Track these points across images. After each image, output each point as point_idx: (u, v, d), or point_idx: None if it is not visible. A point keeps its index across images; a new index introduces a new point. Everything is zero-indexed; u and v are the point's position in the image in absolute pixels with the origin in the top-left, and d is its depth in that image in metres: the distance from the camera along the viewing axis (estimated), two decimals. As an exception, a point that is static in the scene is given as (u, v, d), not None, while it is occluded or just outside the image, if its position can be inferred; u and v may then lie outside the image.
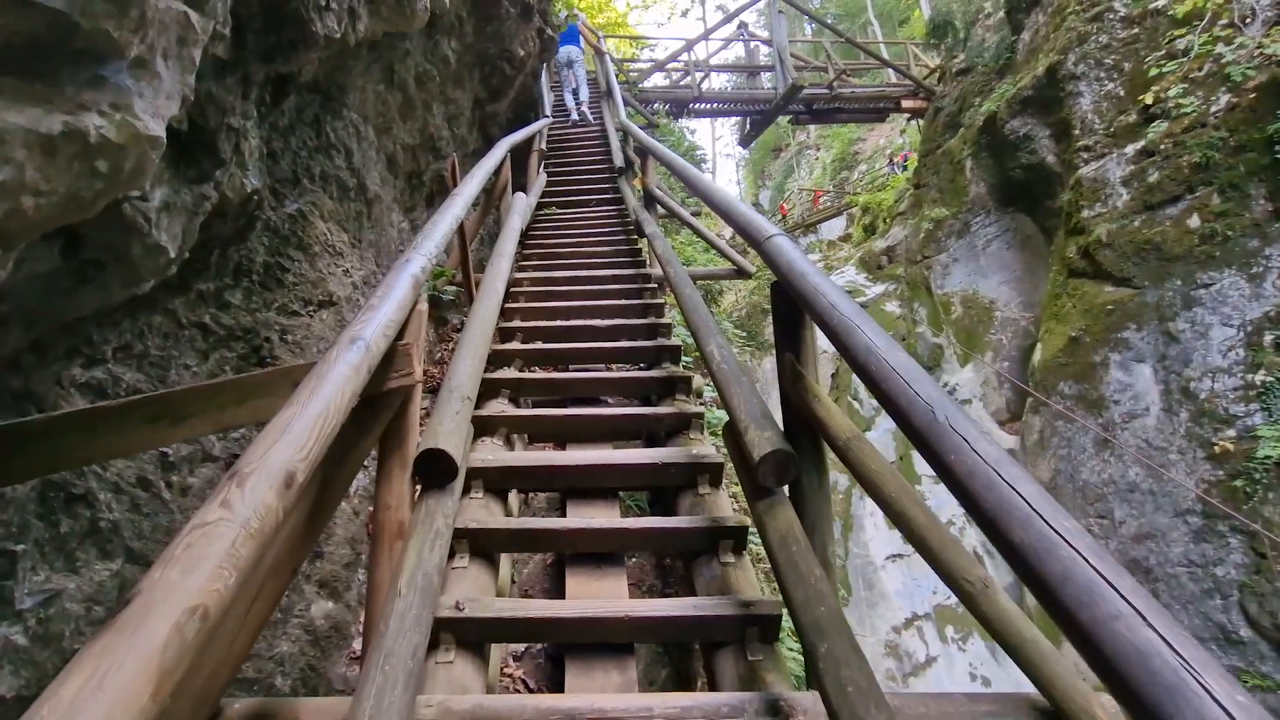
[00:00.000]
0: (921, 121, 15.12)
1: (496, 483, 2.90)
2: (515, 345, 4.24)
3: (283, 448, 1.18)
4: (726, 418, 2.45)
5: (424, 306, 2.17)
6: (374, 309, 1.82)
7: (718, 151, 35.63)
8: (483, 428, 3.26)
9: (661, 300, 4.76)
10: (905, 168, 22.78)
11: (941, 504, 11.35)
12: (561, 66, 10.57)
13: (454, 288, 5.40)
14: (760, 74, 15.58)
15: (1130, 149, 9.48)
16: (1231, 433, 7.80)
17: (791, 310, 2.13)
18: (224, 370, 2.67)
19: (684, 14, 32.13)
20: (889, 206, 20.54)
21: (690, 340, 5.38)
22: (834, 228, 27.73)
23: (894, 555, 10.48)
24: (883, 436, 12.37)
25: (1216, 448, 7.91)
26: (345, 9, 2.90)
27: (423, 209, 5.96)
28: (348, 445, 1.86)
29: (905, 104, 14.48)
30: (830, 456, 2.18)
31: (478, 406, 3.45)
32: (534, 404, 3.95)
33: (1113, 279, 9.35)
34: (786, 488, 2.08)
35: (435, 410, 2.25)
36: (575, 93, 10.74)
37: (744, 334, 11.74)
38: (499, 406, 3.53)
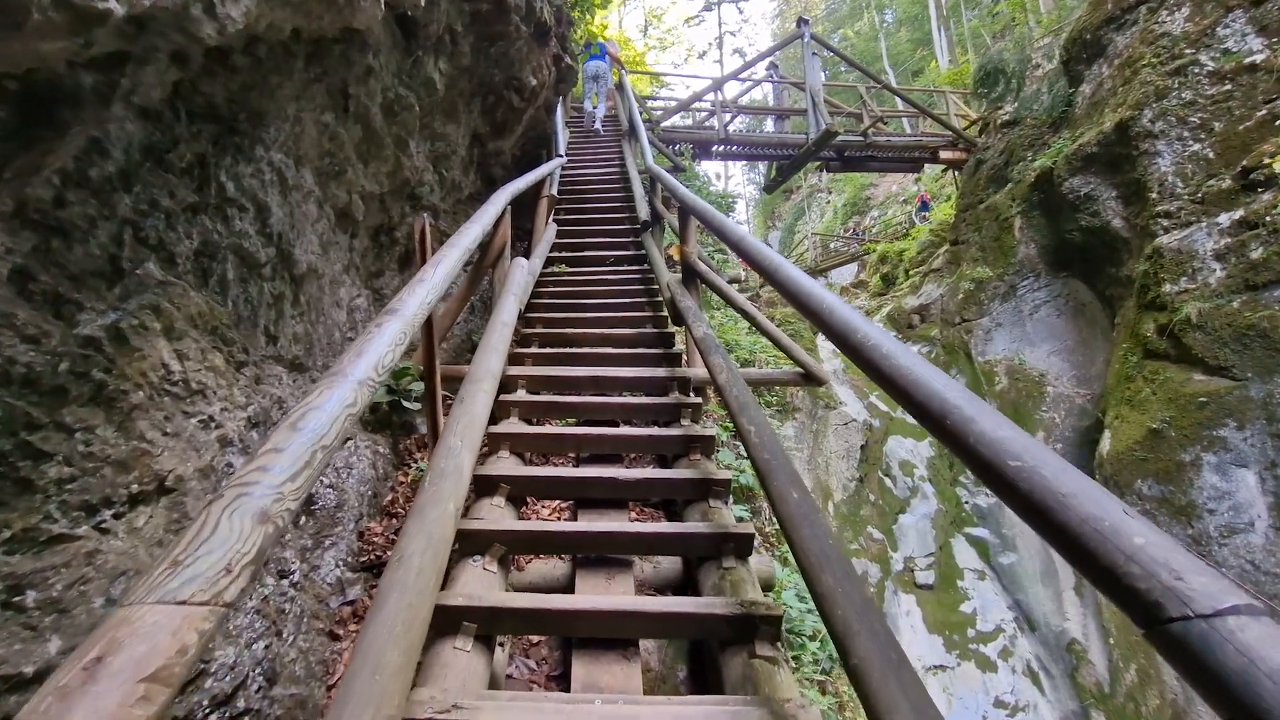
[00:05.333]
0: (957, 173, 13.75)
1: None
2: (495, 518, 2.67)
3: None
4: None
5: None
6: None
7: (728, 189, 34.43)
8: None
9: (711, 432, 3.21)
10: (926, 207, 21.52)
11: (986, 604, 9.68)
12: (588, 79, 10.74)
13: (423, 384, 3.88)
14: (786, 117, 14.26)
15: (1225, 218, 8.02)
16: (1381, 574, 6.19)
17: None
18: None
19: (701, 55, 31.21)
20: (910, 257, 19.16)
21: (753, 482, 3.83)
22: (844, 273, 26.44)
23: (937, 666, 8.77)
24: (920, 521, 10.74)
25: (1353, 585, 6.31)
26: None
27: (395, 274, 4.45)
28: None
29: (943, 155, 13.06)
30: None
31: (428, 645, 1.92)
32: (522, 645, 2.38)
33: (1205, 366, 7.82)
34: None
35: None
36: (595, 109, 10.85)
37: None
38: (456, 664, 1.95)
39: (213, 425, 2.05)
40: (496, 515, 2.75)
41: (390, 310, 1.79)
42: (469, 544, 2.48)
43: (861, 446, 11.43)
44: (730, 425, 4.01)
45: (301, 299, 3.09)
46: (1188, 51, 8.90)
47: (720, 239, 3.07)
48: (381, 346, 1.57)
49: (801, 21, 12.28)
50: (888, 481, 11.25)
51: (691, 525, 2.56)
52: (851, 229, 27.18)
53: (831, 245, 27.85)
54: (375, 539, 2.92)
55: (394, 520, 3.07)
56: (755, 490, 3.89)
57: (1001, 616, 9.28)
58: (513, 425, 3.40)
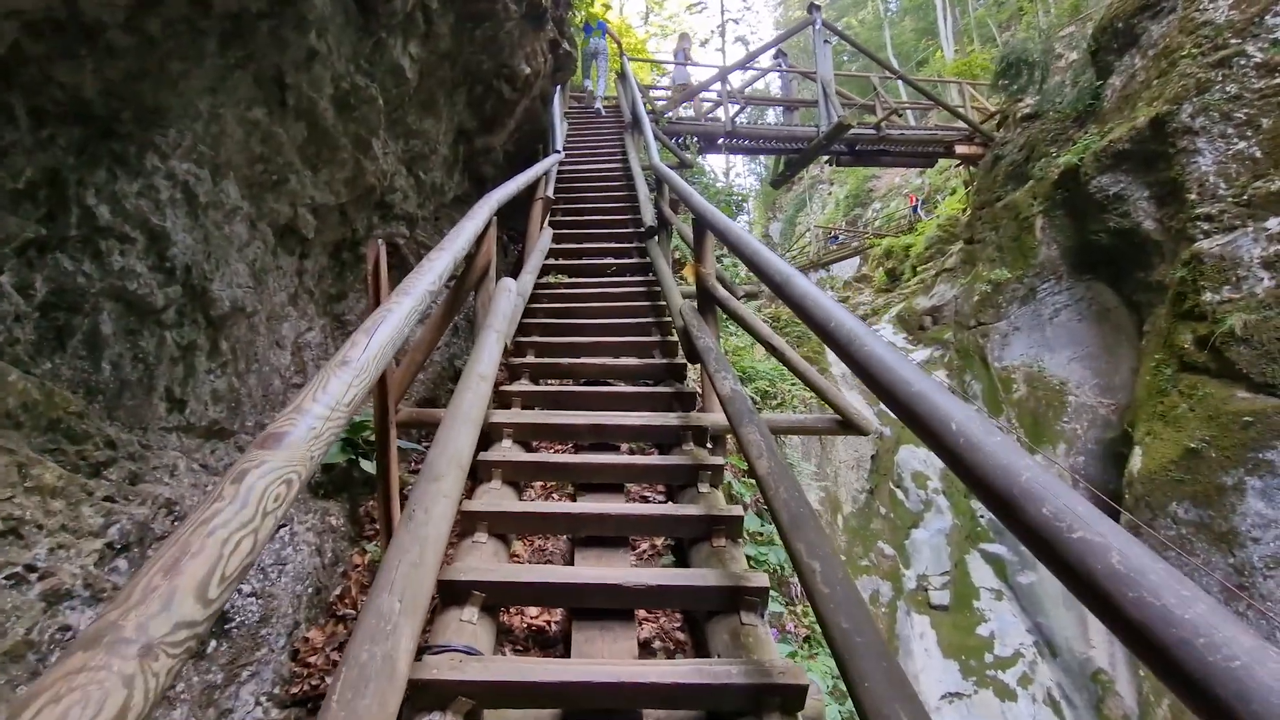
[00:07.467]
0: (972, 168, 13.01)
1: None
2: (466, 639, 2.02)
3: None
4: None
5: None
6: None
7: (733, 183, 33.54)
8: None
9: (738, 512, 2.54)
10: (920, 208, 21.04)
11: (1005, 627, 9.08)
12: (588, 57, 10.60)
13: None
14: (794, 109, 13.46)
15: (1274, 223, 7.32)
16: None
17: None
18: None
19: (704, 44, 30.22)
20: (917, 253, 18.44)
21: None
22: (845, 268, 25.73)
23: (952, 694, 8.18)
24: (934, 537, 10.14)
25: None
26: None
27: (360, 295, 3.75)
28: None
29: (959, 149, 12.29)
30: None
31: None
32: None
33: (1249, 383, 7.16)
34: None
35: None
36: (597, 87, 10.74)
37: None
38: None
39: (31, 578, 1.37)
40: (468, 635, 2.09)
41: (270, 436, 1.10)
42: (426, 695, 1.82)
43: (872, 457, 10.81)
44: (751, 481, 3.35)
45: (223, 346, 2.40)
46: (1233, 41, 8.16)
47: (752, 270, 2.38)
48: (205, 560, 0.84)
49: (813, 8, 11.47)
50: (899, 494, 10.63)
51: (720, 667, 1.90)
52: (837, 228, 26.68)
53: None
54: (313, 657, 2.25)
55: (343, 626, 2.41)
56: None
57: (1021, 640, 8.69)
58: (493, 496, 2.72)
